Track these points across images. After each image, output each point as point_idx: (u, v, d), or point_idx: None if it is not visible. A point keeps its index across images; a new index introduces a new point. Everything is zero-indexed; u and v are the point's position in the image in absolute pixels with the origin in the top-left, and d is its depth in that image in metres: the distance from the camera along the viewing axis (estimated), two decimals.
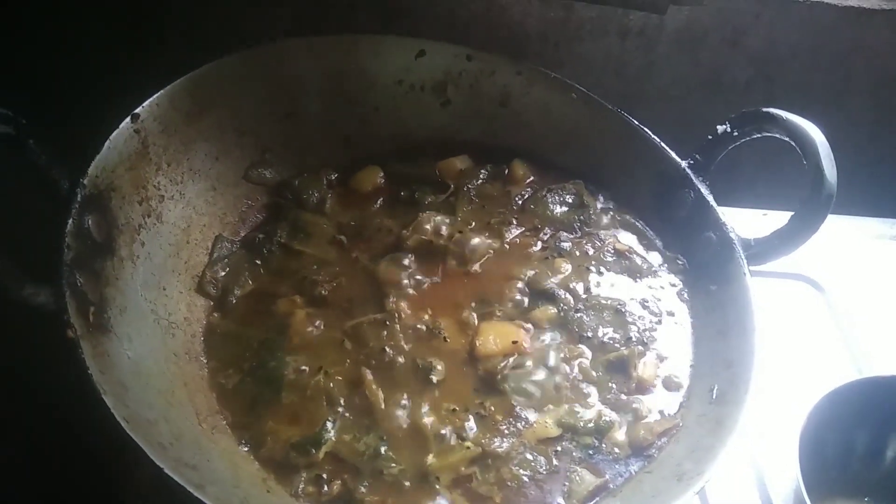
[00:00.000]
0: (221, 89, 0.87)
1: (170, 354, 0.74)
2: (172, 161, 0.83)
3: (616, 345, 0.81)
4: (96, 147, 0.73)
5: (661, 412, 0.77)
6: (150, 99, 0.79)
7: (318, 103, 0.95)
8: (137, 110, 0.78)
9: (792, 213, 0.81)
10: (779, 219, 0.83)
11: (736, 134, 0.85)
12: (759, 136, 0.84)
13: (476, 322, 0.82)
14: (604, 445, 0.74)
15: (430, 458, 0.71)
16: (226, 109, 0.88)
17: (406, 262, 0.87)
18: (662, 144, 0.91)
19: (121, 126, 0.76)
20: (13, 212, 0.65)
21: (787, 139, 0.80)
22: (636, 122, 0.93)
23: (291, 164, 0.95)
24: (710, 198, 0.86)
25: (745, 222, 0.87)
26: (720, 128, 0.86)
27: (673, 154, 0.90)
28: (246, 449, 0.72)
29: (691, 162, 0.89)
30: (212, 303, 0.83)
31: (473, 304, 0.84)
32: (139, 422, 0.60)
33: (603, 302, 0.85)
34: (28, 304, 0.60)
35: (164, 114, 0.81)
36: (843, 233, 1.13)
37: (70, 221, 0.67)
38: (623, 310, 0.85)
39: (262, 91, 0.91)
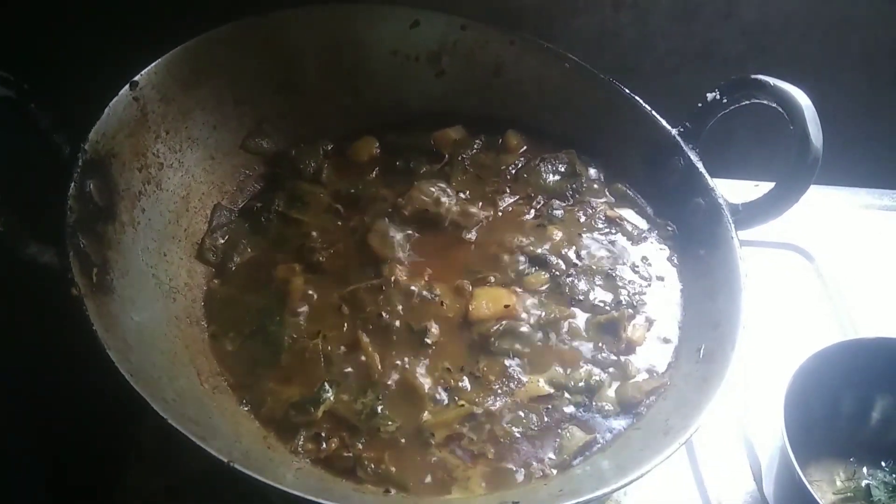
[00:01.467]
0: (218, 59, 0.88)
1: (171, 318, 0.76)
2: (171, 129, 0.84)
3: (607, 308, 0.83)
4: (96, 113, 0.74)
5: (649, 371, 0.79)
6: (148, 67, 0.81)
7: (313, 74, 0.96)
8: (136, 78, 0.79)
9: None
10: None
11: (725, 101, 0.86)
12: (747, 102, 0.85)
13: (470, 287, 0.83)
14: (594, 403, 0.76)
15: (426, 416, 0.73)
16: (223, 79, 0.89)
17: (402, 229, 0.88)
18: (653, 112, 0.92)
19: (120, 93, 0.77)
20: (16, 174, 0.67)
21: (774, 105, 0.81)
22: (627, 91, 0.94)
23: (288, 134, 0.96)
24: (699, 164, 0.88)
25: (738, 193, 0.88)
26: (710, 95, 0.88)
27: (663, 122, 0.91)
28: (247, 408, 0.74)
29: (681, 129, 0.90)
30: (212, 269, 0.84)
31: (467, 271, 0.86)
32: (143, 377, 0.62)
33: (594, 267, 0.87)
34: (34, 262, 0.62)
35: (162, 82, 0.82)
36: (832, 203, 1.15)
37: (72, 185, 0.68)
38: (614, 274, 0.86)
39: (259, 61, 0.92)
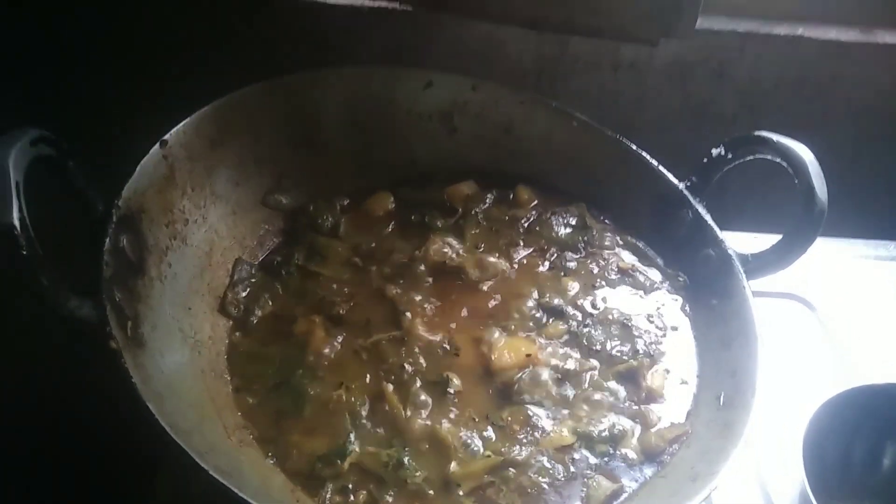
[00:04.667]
0: (242, 118, 0.91)
1: (197, 371, 0.77)
2: (196, 186, 0.86)
3: (624, 357, 0.85)
4: (128, 171, 0.76)
5: (670, 420, 0.81)
6: (178, 126, 0.83)
7: (331, 133, 0.99)
8: (166, 137, 0.81)
9: (782, 234, 0.86)
10: (769, 241, 0.88)
11: (730, 156, 0.90)
12: (751, 157, 0.89)
13: (490, 338, 0.85)
14: (618, 452, 0.77)
15: (453, 467, 0.74)
16: (245, 137, 0.92)
17: (420, 282, 0.90)
18: (661, 168, 0.96)
19: (150, 151, 0.79)
20: (52, 230, 0.68)
21: (778, 160, 0.85)
22: (635, 147, 0.98)
23: (306, 190, 0.98)
24: (707, 217, 0.91)
25: (736, 245, 0.90)
26: (715, 151, 0.92)
27: (671, 176, 0.95)
28: (272, 461, 0.74)
29: (688, 184, 0.94)
30: (234, 323, 0.85)
31: (486, 322, 0.87)
32: (178, 430, 0.62)
33: (610, 317, 0.89)
34: (73, 316, 0.63)
35: (190, 140, 0.85)
36: (829, 254, 1.19)
37: (107, 240, 0.70)
38: (629, 324, 0.88)
39: (279, 120, 0.95)
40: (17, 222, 0.60)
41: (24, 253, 0.60)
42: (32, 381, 1.00)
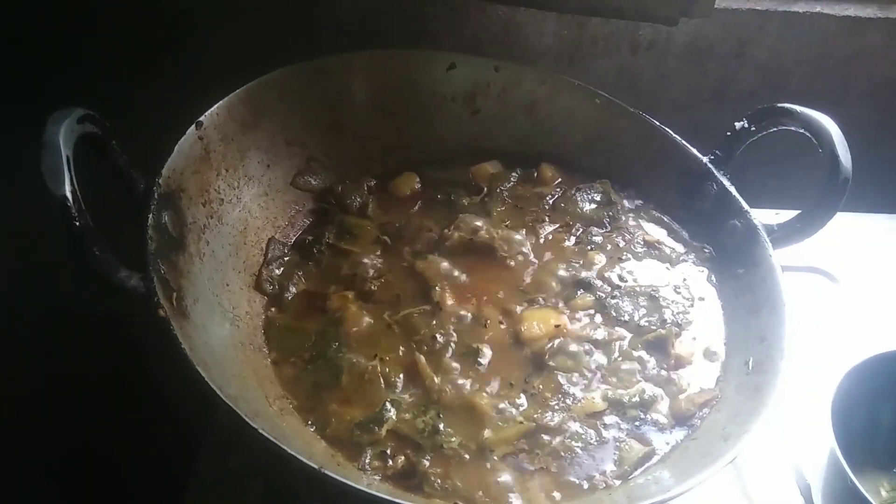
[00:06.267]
0: (272, 101, 0.93)
1: (237, 343, 0.79)
2: (230, 167, 0.88)
3: (653, 326, 0.87)
4: (167, 150, 0.79)
5: (700, 386, 0.82)
6: (212, 108, 0.85)
7: (357, 115, 1.01)
8: (201, 118, 0.84)
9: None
10: (788, 217, 0.89)
11: (753, 129, 0.91)
12: (774, 129, 0.90)
13: (519, 310, 0.87)
14: (649, 417, 0.79)
15: (487, 433, 0.76)
16: (276, 120, 0.94)
17: (448, 258, 0.92)
18: (684, 143, 0.97)
19: (187, 132, 0.82)
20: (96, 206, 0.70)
21: (802, 130, 0.86)
22: (658, 123, 0.99)
23: (334, 171, 1.00)
24: (732, 189, 0.92)
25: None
26: (738, 124, 0.93)
27: (695, 151, 0.96)
28: (313, 429, 0.76)
29: (712, 157, 0.95)
30: (269, 299, 0.87)
31: (515, 295, 0.89)
32: (227, 395, 0.64)
33: (637, 289, 0.90)
34: (122, 286, 0.65)
35: (223, 123, 0.87)
36: (850, 228, 1.19)
37: (150, 216, 0.72)
38: (656, 295, 0.90)
39: (307, 103, 0.97)
40: (69, 194, 0.62)
41: (77, 224, 0.62)
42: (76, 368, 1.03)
